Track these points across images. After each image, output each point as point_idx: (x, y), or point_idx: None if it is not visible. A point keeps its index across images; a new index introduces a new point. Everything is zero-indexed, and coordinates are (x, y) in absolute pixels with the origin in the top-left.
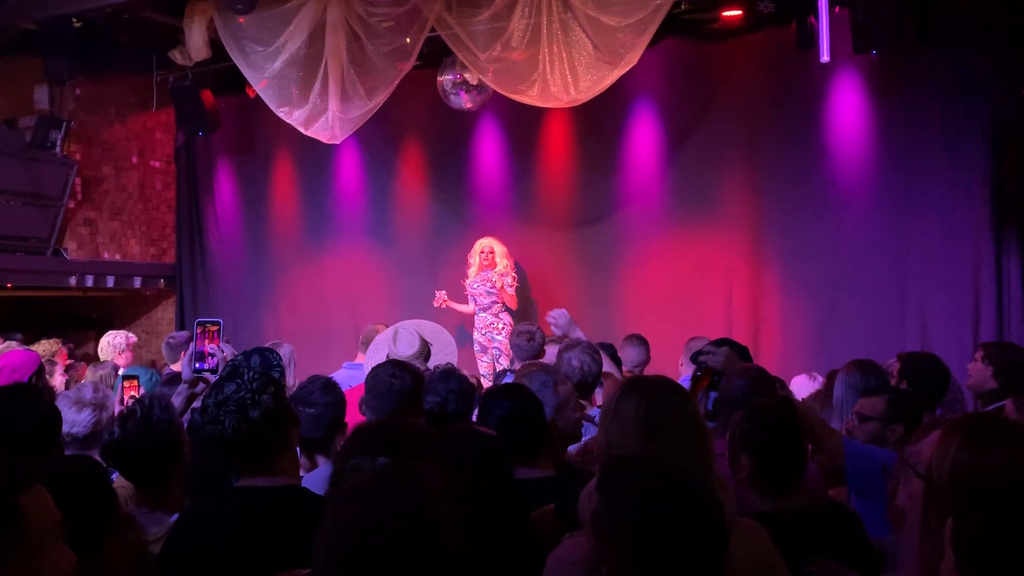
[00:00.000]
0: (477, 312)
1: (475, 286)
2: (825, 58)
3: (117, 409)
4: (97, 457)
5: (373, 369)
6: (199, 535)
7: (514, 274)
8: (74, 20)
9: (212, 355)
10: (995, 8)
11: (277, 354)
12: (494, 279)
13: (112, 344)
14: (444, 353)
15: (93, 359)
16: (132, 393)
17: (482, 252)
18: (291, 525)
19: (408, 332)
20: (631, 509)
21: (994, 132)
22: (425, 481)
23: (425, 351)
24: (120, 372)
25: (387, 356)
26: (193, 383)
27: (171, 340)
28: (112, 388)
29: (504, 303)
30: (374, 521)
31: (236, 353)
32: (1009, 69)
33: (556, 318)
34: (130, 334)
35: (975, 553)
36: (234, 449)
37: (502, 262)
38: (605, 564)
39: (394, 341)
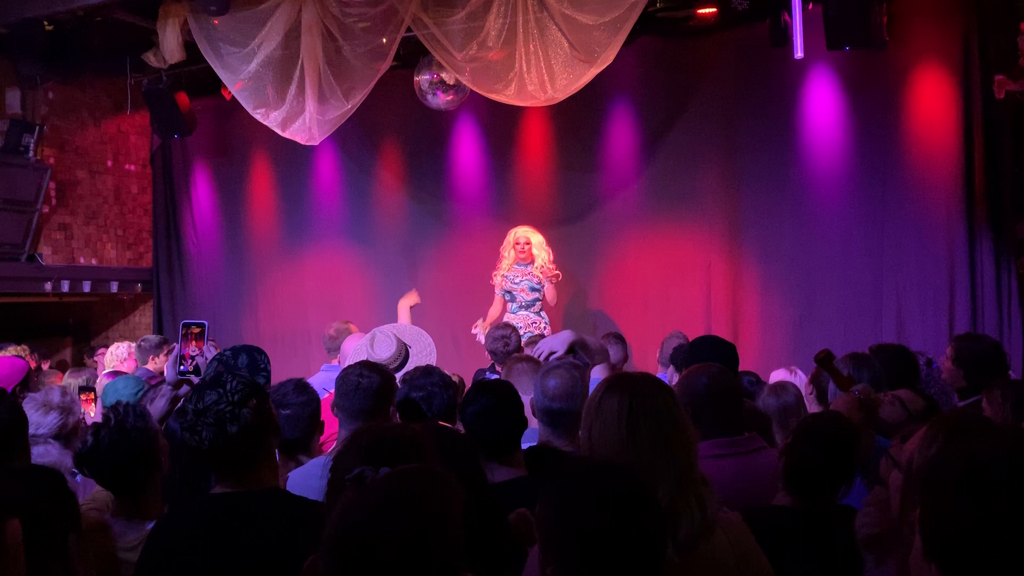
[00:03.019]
0: (514, 309)
1: (517, 281)
2: (799, 55)
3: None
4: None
5: (343, 370)
6: (177, 541)
7: (555, 269)
8: (45, 23)
9: (193, 357)
10: (965, 3)
11: (265, 356)
12: (538, 275)
13: (115, 355)
14: (423, 355)
15: (68, 366)
16: (90, 406)
17: (516, 244)
18: (271, 528)
19: (384, 335)
20: (566, 512)
21: (965, 126)
22: (447, 490)
23: (403, 354)
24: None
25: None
26: (177, 385)
27: (143, 343)
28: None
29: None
30: (383, 516)
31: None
32: (979, 64)
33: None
34: (132, 344)
35: (937, 538)
36: (211, 459)
37: (542, 255)
38: (549, 564)
39: (371, 345)
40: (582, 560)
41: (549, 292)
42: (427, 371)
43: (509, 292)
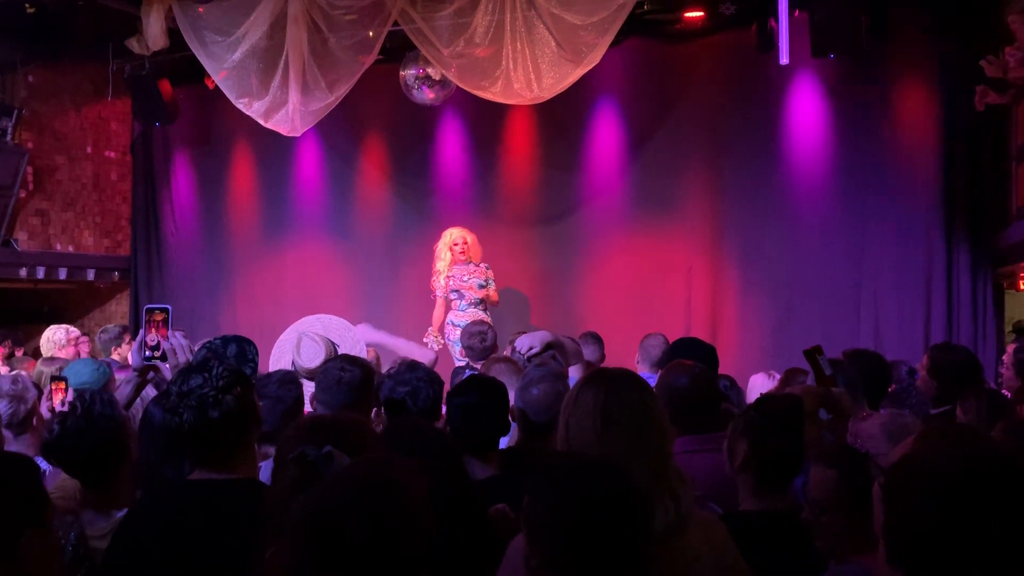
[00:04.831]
0: (462, 307)
1: (465, 279)
2: (784, 60)
3: (44, 411)
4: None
5: (323, 364)
6: (150, 528)
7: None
8: (27, 6)
9: (156, 346)
10: (947, 12)
11: (254, 347)
12: (486, 271)
13: (52, 340)
14: (352, 353)
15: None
16: (61, 396)
17: (455, 244)
18: (245, 517)
19: (311, 341)
20: (555, 508)
21: (946, 134)
22: (410, 478)
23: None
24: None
25: (292, 364)
26: (143, 372)
27: (103, 334)
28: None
29: (487, 298)
30: (346, 502)
31: (187, 343)
32: (960, 73)
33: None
34: (71, 328)
35: (899, 543)
36: (190, 443)
37: (478, 252)
38: (534, 556)
39: (297, 350)
40: (569, 555)
41: (493, 290)
42: (412, 366)
43: (457, 291)
